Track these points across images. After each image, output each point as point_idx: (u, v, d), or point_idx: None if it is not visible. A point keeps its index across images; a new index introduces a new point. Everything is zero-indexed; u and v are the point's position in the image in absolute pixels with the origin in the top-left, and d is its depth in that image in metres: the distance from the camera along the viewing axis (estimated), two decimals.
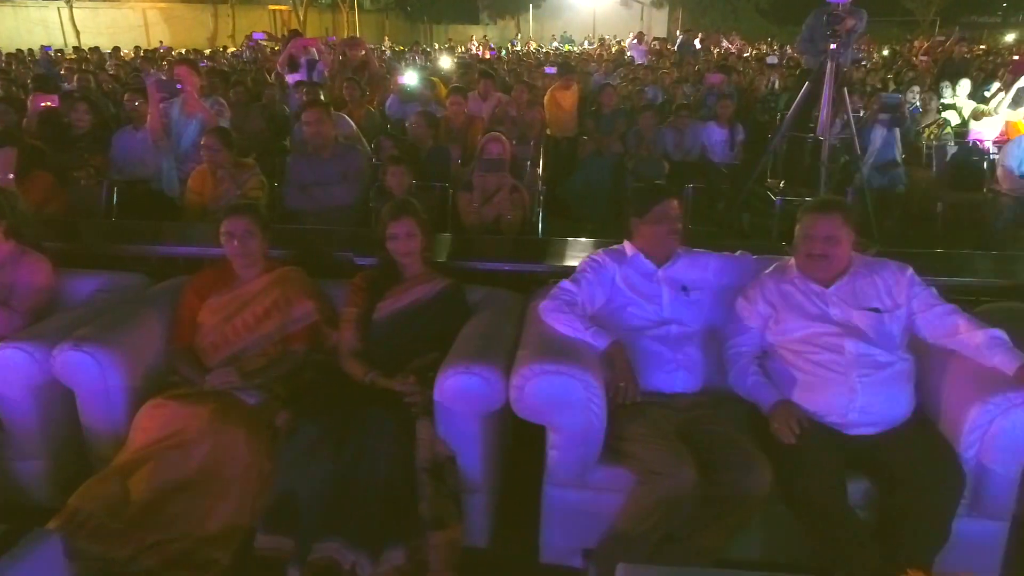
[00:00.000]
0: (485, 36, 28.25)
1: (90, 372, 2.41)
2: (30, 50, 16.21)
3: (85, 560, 2.16)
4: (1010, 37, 24.78)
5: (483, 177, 3.78)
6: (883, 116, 5.91)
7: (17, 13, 24.94)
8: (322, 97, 5.79)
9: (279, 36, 15.29)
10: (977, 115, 6.61)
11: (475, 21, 35.64)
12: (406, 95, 6.60)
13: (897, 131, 6.05)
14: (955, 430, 2.15)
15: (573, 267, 2.67)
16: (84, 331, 2.46)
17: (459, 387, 2.27)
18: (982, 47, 18.41)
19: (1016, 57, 12.05)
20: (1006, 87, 7.63)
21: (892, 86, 9.36)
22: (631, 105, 7.34)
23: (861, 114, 6.27)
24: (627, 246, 2.64)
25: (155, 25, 27.24)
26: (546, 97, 7.04)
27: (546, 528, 2.39)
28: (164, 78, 4.54)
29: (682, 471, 2.10)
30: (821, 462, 2.16)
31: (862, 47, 19.13)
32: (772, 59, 11.90)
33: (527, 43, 25.98)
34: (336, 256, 3.13)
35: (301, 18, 27.82)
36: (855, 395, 2.22)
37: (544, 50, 21.84)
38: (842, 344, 2.26)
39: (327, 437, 2.29)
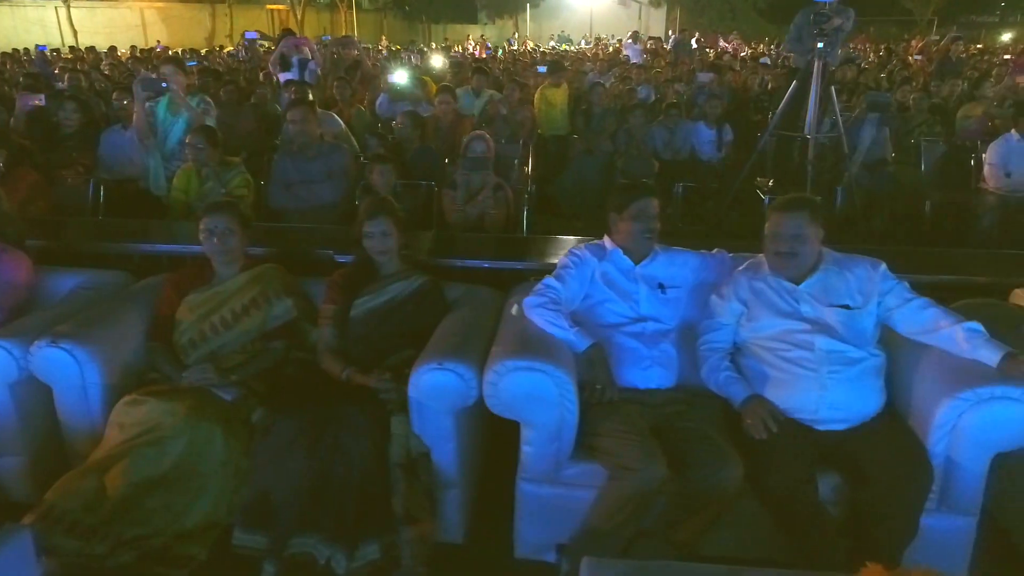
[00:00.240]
0: (482, 36, 28.24)
1: (67, 369, 2.42)
2: (25, 49, 16.20)
3: (61, 555, 2.18)
4: (1007, 36, 24.80)
5: (467, 175, 3.80)
6: (872, 115, 5.91)
7: (14, 13, 24.95)
8: (311, 96, 5.79)
9: (272, 35, 15.28)
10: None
11: (473, 21, 35.64)
12: (396, 94, 6.61)
13: (887, 130, 6.06)
14: (924, 425, 2.17)
15: (554, 264, 2.68)
16: (62, 328, 2.47)
17: (433, 383, 2.28)
18: (978, 46, 18.41)
19: (1008, 56, 12.07)
20: (1006, 89, 7.66)
21: (885, 85, 9.36)
22: (622, 104, 7.35)
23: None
24: (607, 241, 2.65)
25: (153, 25, 27.23)
26: (536, 95, 7.05)
27: (520, 523, 2.40)
28: (153, 77, 4.53)
29: (653, 467, 2.11)
30: (791, 457, 2.17)
31: (858, 46, 19.17)
32: (766, 59, 11.90)
33: (524, 43, 26.00)
34: (317, 254, 3.15)
35: (299, 17, 27.81)
36: (825, 391, 2.24)
37: (541, 49, 21.86)
38: (812, 341, 2.28)
39: (303, 433, 2.30)
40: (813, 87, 5.07)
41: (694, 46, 16.12)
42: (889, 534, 2.12)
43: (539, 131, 6.61)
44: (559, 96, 7.06)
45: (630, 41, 16.13)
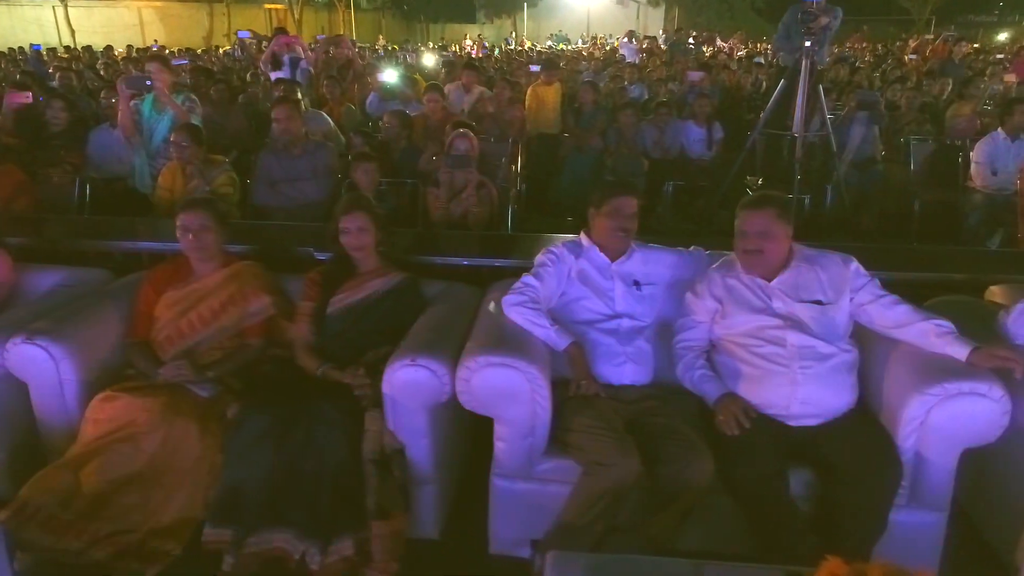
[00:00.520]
0: (480, 35, 28.23)
1: (43, 365, 2.43)
2: (20, 48, 16.21)
3: (36, 551, 2.18)
4: (1003, 36, 24.80)
5: (450, 173, 3.80)
6: (861, 113, 5.93)
7: (12, 12, 24.95)
8: (300, 95, 5.80)
9: (264, 35, 15.30)
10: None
11: (471, 20, 35.63)
12: (386, 93, 6.62)
13: (876, 128, 6.07)
14: (894, 421, 2.18)
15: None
16: (38, 325, 2.48)
17: (406, 379, 2.29)
18: (975, 46, 18.40)
19: (1000, 56, 12.06)
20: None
21: (878, 84, 9.36)
22: (613, 103, 7.36)
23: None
24: (583, 238, 2.66)
25: (150, 24, 27.21)
26: (528, 92, 7.06)
27: (494, 519, 2.41)
28: (138, 74, 4.54)
29: (626, 462, 2.12)
30: (761, 452, 2.18)
31: (854, 45, 19.17)
32: (759, 58, 11.91)
33: (521, 42, 26.00)
34: (297, 251, 3.15)
35: (297, 17, 27.79)
36: (796, 387, 2.24)
37: (537, 48, 21.86)
38: (784, 337, 2.28)
39: (273, 428, 2.31)
40: (801, 85, 5.07)
41: (691, 44, 16.15)
42: (858, 529, 2.13)
43: (530, 129, 6.60)
44: (551, 94, 7.06)
45: (626, 40, 16.14)
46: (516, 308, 2.44)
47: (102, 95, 5.26)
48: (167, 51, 15.37)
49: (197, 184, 3.88)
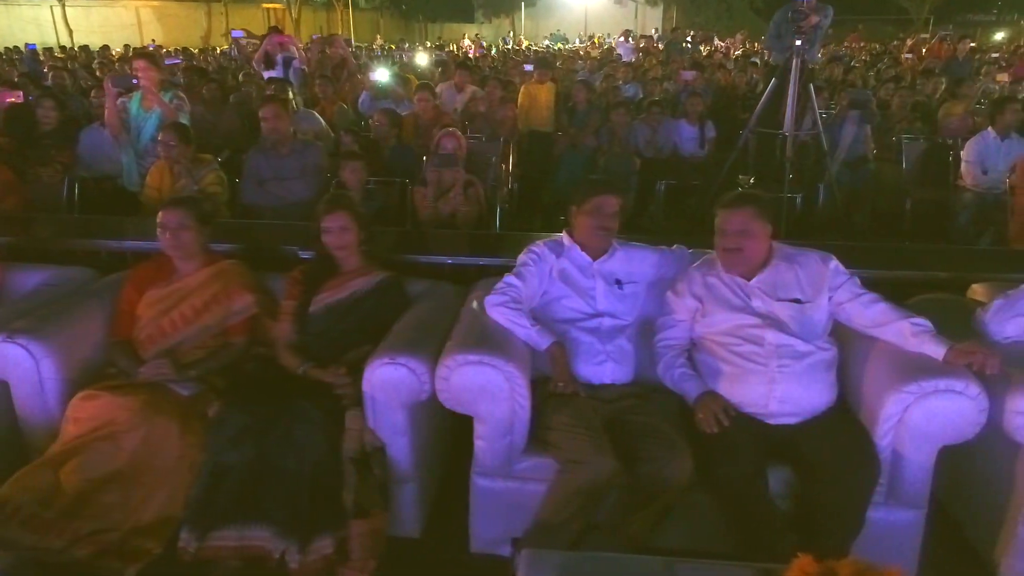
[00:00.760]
0: (477, 34, 28.23)
1: (23, 364, 2.43)
2: (16, 48, 16.21)
3: (17, 550, 2.18)
4: (999, 35, 24.79)
5: (437, 172, 3.80)
6: (853, 112, 5.93)
7: (9, 12, 24.97)
8: (292, 94, 5.80)
9: (257, 34, 15.27)
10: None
11: (470, 19, 35.61)
12: (378, 92, 6.62)
13: (868, 127, 6.07)
14: (872, 419, 2.18)
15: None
16: (19, 324, 2.48)
17: (386, 378, 2.29)
18: (972, 44, 18.38)
19: (996, 55, 12.06)
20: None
21: (873, 83, 9.36)
22: (606, 102, 7.36)
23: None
24: (565, 237, 2.66)
25: (148, 24, 27.23)
26: (521, 91, 7.06)
27: (475, 517, 2.41)
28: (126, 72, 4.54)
29: (601, 460, 2.12)
30: (740, 451, 2.18)
31: (852, 45, 19.16)
32: (756, 58, 11.92)
33: (519, 41, 25.99)
34: (281, 250, 3.15)
35: (295, 16, 27.79)
36: (774, 385, 2.25)
37: (535, 48, 21.86)
38: (763, 335, 2.29)
39: (254, 426, 2.30)
40: (791, 84, 5.07)
41: (688, 44, 16.14)
42: (836, 528, 2.13)
43: (522, 127, 6.60)
44: (544, 93, 7.06)
45: (622, 39, 16.14)
46: (498, 308, 2.44)
47: (92, 94, 5.25)
48: (163, 51, 15.36)
49: (185, 183, 3.87)
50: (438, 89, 6.66)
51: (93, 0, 26.77)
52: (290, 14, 28.40)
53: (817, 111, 5.40)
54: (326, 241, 2.67)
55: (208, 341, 2.69)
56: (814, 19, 5.02)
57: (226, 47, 20.28)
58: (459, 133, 3.91)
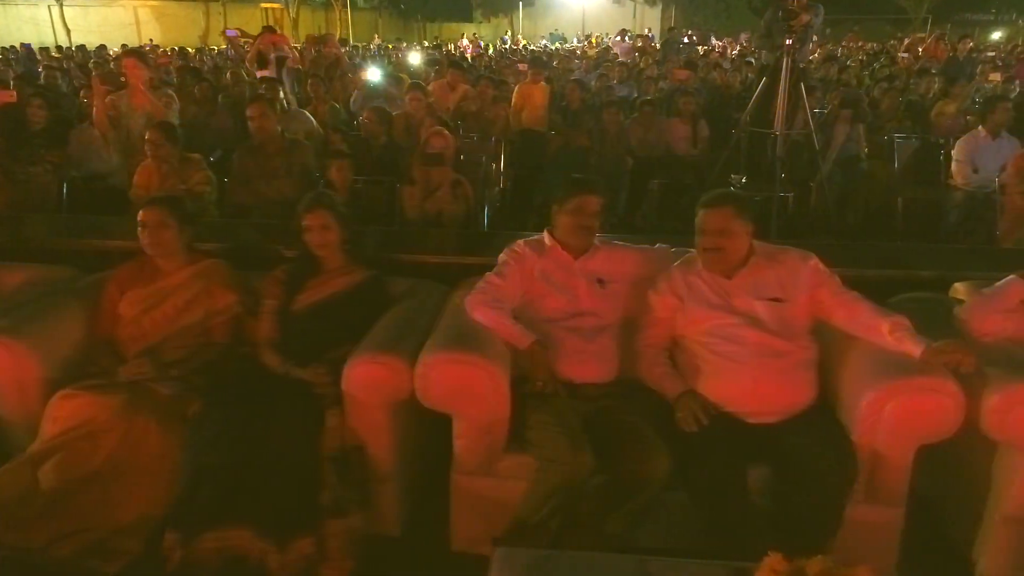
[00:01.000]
0: (475, 34, 28.23)
1: (4, 362, 2.42)
2: (12, 47, 16.21)
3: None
4: (996, 35, 24.77)
5: (425, 171, 3.80)
6: (845, 111, 5.92)
7: (7, 11, 24.98)
8: (283, 93, 5.79)
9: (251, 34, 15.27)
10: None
11: (468, 19, 35.62)
12: (371, 91, 6.62)
13: (860, 126, 6.06)
14: (850, 417, 2.18)
15: None
16: (0, 322, 2.48)
17: (365, 376, 2.29)
18: (969, 44, 18.37)
19: (992, 54, 12.05)
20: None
21: (868, 83, 9.36)
22: (599, 101, 7.36)
23: None
24: (546, 236, 2.65)
25: (146, 23, 27.24)
26: (516, 91, 7.06)
27: (456, 516, 2.41)
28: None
29: (577, 458, 2.13)
30: (719, 450, 2.18)
31: (849, 44, 19.16)
32: (751, 57, 11.92)
33: (516, 41, 25.98)
34: (265, 248, 3.15)
35: (293, 16, 27.79)
36: (754, 384, 2.25)
37: (532, 48, 21.85)
38: (743, 334, 2.29)
39: (233, 425, 2.30)
40: (782, 83, 5.07)
41: (684, 43, 16.13)
42: (814, 525, 2.13)
43: (515, 126, 6.60)
44: (538, 92, 7.07)
45: (619, 39, 16.14)
46: (479, 307, 2.43)
47: (81, 94, 5.25)
48: (160, 50, 15.35)
49: (173, 182, 3.87)
50: (431, 88, 6.65)
51: (91, 0, 26.77)
52: (288, 13, 28.40)
53: (808, 110, 5.39)
54: (308, 240, 2.66)
55: (190, 341, 2.69)
56: (805, 18, 5.02)
57: (224, 46, 20.29)
58: (447, 132, 3.90)
